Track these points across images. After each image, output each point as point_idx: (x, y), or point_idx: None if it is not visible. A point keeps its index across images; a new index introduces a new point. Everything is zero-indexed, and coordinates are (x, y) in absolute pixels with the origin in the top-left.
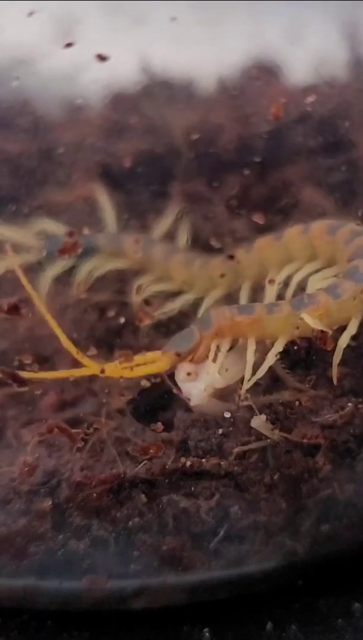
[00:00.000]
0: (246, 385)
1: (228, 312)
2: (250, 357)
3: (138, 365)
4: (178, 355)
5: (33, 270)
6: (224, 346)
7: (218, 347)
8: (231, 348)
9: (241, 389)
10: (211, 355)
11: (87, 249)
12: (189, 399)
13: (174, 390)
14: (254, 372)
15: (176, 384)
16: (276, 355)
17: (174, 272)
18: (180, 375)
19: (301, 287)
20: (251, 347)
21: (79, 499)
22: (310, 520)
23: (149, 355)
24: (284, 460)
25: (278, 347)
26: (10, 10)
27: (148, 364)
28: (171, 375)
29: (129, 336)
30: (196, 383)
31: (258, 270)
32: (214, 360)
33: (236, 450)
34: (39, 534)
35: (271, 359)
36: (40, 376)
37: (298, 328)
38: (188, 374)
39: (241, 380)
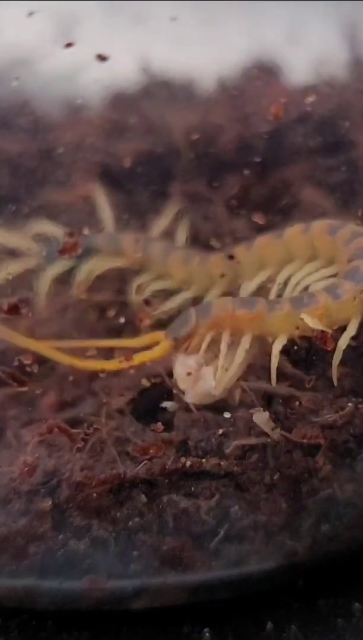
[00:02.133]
0: (224, 381)
1: (230, 304)
2: (241, 352)
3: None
4: (175, 340)
5: (33, 271)
6: (224, 344)
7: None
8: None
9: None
10: (205, 346)
11: (87, 249)
12: (184, 393)
13: (174, 391)
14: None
15: (175, 384)
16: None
17: (173, 269)
18: (179, 371)
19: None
20: (244, 343)
21: (79, 499)
22: (310, 520)
23: (152, 335)
24: (284, 460)
25: (278, 345)
26: (10, 10)
27: (151, 344)
28: (172, 375)
29: (129, 336)
30: (197, 384)
31: (257, 269)
32: (212, 351)
33: (234, 443)
34: (39, 534)
35: (275, 360)
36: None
37: (298, 328)
38: (188, 373)
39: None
